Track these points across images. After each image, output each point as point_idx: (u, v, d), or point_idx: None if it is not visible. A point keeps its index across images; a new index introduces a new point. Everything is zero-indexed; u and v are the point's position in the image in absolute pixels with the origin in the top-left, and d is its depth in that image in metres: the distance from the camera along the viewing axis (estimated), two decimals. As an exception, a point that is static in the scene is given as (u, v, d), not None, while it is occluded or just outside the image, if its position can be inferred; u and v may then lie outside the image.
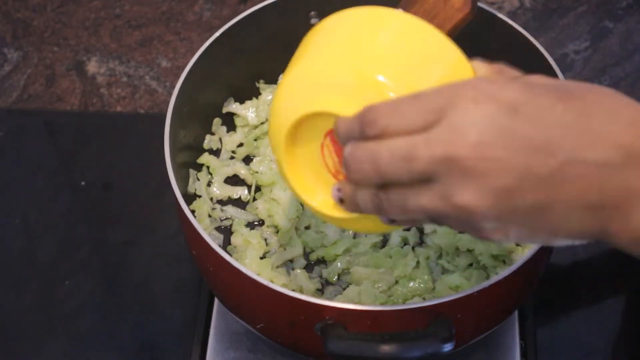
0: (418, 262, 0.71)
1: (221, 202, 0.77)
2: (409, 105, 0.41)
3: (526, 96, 0.39)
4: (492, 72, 0.46)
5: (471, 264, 0.71)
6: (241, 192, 0.77)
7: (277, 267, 0.72)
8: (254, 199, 0.76)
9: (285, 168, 0.50)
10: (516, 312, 0.73)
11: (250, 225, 0.75)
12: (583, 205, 0.39)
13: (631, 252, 0.41)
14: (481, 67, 0.47)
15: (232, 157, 0.79)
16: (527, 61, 0.72)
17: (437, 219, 0.41)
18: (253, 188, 0.77)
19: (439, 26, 0.51)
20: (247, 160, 0.79)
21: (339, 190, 0.45)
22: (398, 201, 0.41)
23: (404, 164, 0.40)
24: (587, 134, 0.39)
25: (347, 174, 0.43)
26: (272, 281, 0.67)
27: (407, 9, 0.57)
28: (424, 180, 0.40)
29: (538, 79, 0.44)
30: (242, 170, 0.78)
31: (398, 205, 0.42)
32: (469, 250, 0.71)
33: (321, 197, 0.49)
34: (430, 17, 0.57)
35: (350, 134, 0.43)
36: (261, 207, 0.75)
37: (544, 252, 0.63)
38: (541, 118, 0.39)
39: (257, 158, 0.78)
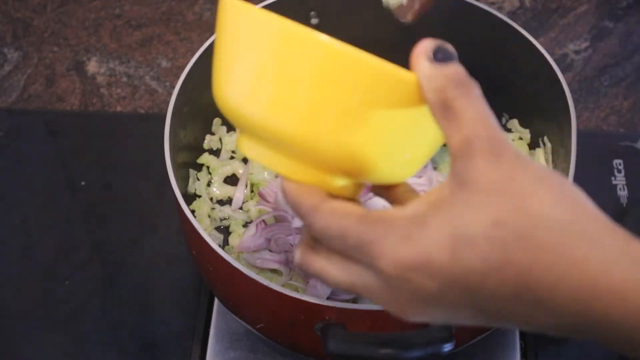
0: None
1: (221, 202, 0.77)
2: (345, 231, 0.39)
3: (469, 265, 0.36)
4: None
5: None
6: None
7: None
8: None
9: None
10: (516, 312, 0.73)
11: (248, 225, 0.75)
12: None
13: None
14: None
15: (232, 157, 0.79)
16: (527, 61, 0.72)
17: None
18: (249, 188, 0.77)
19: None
20: (247, 160, 0.79)
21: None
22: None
23: (348, 293, 0.42)
24: (533, 305, 0.37)
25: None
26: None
27: None
28: None
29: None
30: (240, 170, 0.78)
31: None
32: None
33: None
34: None
35: (295, 211, 0.42)
36: (253, 208, 0.75)
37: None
38: (489, 292, 0.37)
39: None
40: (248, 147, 0.44)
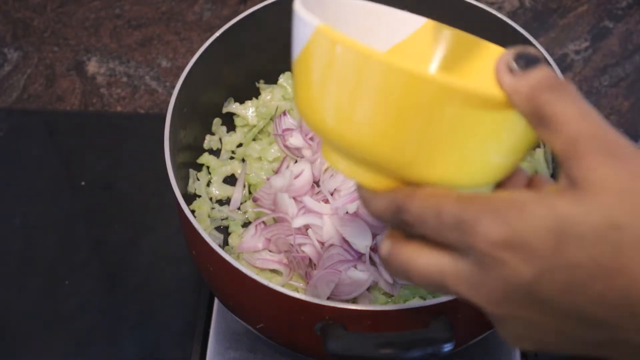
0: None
1: (220, 202, 0.77)
2: (446, 216, 0.37)
3: (574, 260, 0.34)
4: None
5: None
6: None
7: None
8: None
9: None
10: (516, 312, 0.73)
11: (247, 225, 0.75)
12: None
13: None
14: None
15: (231, 157, 0.79)
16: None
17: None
18: (246, 189, 0.77)
19: None
20: (245, 160, 0.79)
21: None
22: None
23: (432, 287, 0.39)
24: (636, 318, 0.34)
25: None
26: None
27: None
28: None
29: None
30: (238, 170, 0.78)
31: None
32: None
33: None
34: None
35: (381, 217, 0.41)
36: (251, 209, 0.75)
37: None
38: (576, 291, 0.35)
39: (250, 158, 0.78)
40: (334, 160, 0.43)
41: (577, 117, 0.35)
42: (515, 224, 0.34)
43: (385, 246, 0.40)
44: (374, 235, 0.70)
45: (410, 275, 0.39)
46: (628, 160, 0.34)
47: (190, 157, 0.76)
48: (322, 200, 0.72)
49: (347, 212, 0.70)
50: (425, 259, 0.38)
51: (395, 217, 0.39)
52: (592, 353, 0.37)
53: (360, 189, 0.42)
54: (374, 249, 0.69)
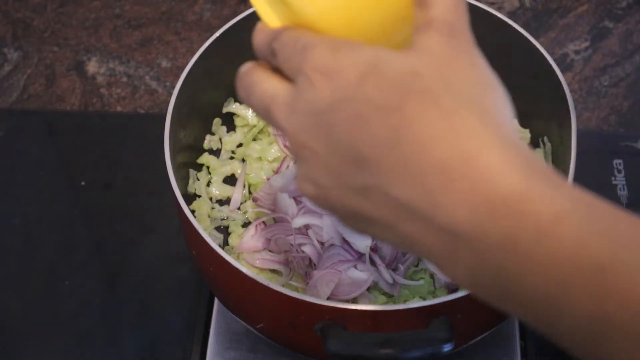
0: (418, 262, 0.71)
1: (220, 202, 0.77)
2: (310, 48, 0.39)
3: (366, 94, 0.36)
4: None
5: (471, 264, 0.71)
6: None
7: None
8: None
9: None
10: (516, 312, 0.73)
11: (247, 225, 0.75)
12: (394, 234, 0.37)
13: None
14: None
15: (231, 157, 0.79)
16: (527, 61, 0.72)
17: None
18: (246, 189, 0.77)
19: None
20: (245, 160, 0.79)
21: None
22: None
23: (262, 112, 0.41)
24: (396, 163, 0.35)
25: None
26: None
27: None
28: None
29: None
30: (238, 170, 0.78)
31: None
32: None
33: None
34: None
35: (258, 47, 0.43)
36: (251, 209, 0.75)
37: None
38: (358, 126, 0.36)
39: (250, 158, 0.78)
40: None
41: (449, 6, 0.38)
42: (341, 57, 0.37)
43: (246, 66, 0.43)
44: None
45: (251, 97, 0.42)
46: (459, 46, 0.37)
47: (190, 157, 0.76)
48: (322, 200, 0.72)
49: (347, 212, 0.70)
50: (268, 84, 0.41)
51: (267, 48, 0.41)
52: (357, 210, 0.37)
53: (260, 24, 0.43)
54: (374, 249, 0.69)
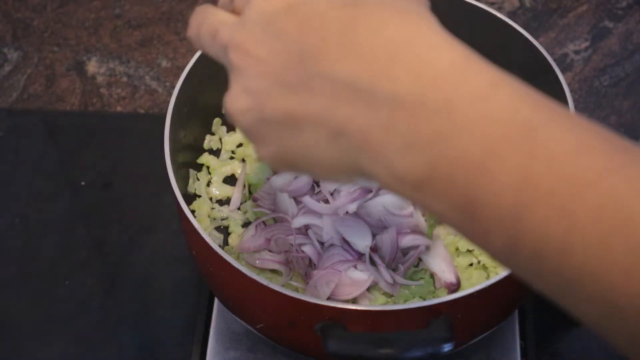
0: (419, 262, 0.71)
1: (220, 202, 0.77)
2: None
3: None
4: None
5: (471, 264, 0.71)
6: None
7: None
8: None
9: None
10: (516, 312, 0.73)
11: (247, 225, 0.75)
12: (327, 130, 0.37)
13: (400, 195, 0.37)
14: None
15: (231, 157, 0.79)
16: (527, 61, 0.72)
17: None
18: (246, 189, 0.77)
19: None
20: (245, 160, 0.79)
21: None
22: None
23: (209, 38, 0.42)
24: (344, 47, 0.36)
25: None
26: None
27: None
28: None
29: None
30: (238, 170, 0.78)
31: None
32: (469, 251, 0.71)
33: None
34: None
35: None
36: (250, 209, 0.75)
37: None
38: (310, 23, 0.37)
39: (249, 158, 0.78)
40: None
41: None
42: None
43: (202, 5, 0.44)
44: (374, 235, 0.70)
45: (202, 27, 0.43)
46: None
47: (190, 157, 0.76)
48: (322, 200, 0.72)
49: (347, 212, 0.70)
50: (221, 14, 0.42)
51: None
52: (291, 109, 0.37)
53: None
54: (374, 249, 0.69)
